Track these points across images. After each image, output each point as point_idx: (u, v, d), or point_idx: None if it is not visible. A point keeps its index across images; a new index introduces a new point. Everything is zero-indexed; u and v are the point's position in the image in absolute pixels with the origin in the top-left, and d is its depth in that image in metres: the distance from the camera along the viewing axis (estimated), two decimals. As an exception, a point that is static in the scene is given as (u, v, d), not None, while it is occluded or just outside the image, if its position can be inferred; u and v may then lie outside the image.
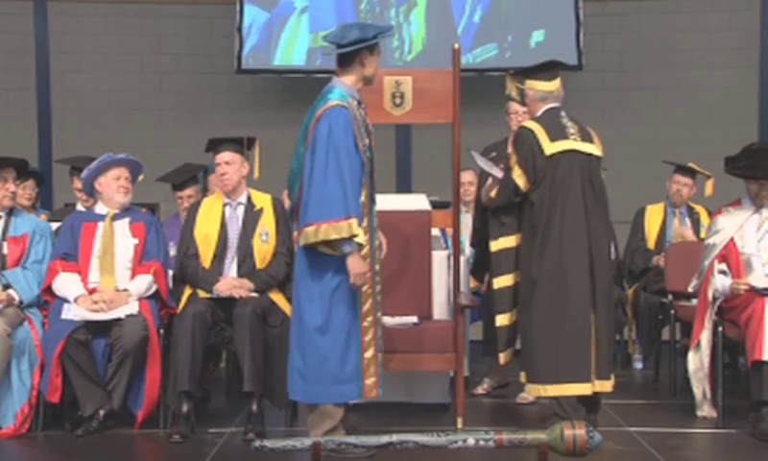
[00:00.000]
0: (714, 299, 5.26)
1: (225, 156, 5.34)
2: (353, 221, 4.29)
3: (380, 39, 4.52)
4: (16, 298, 5.17)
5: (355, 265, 4.35)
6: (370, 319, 4.52)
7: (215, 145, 5.40)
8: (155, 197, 7.52)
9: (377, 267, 4.63)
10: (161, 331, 5.17)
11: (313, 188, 4.34)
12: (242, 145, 5.39)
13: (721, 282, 5.24)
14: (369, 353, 4.51)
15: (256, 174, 5.50)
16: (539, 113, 5.08)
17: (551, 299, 4.85)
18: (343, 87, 4.50)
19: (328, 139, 4.34)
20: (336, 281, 4.42)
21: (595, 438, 4.04)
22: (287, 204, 6.60)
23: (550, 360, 4.84)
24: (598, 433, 4.06)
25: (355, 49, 4.45)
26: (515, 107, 5.87)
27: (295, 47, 9.38)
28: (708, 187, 7.00)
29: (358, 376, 4.48)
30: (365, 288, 4.48)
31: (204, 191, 6.51)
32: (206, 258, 5.29)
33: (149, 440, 5.03)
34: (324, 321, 4.43)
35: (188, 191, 6.34)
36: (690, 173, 7.10)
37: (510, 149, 5.16)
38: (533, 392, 5.00)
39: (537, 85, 5.09)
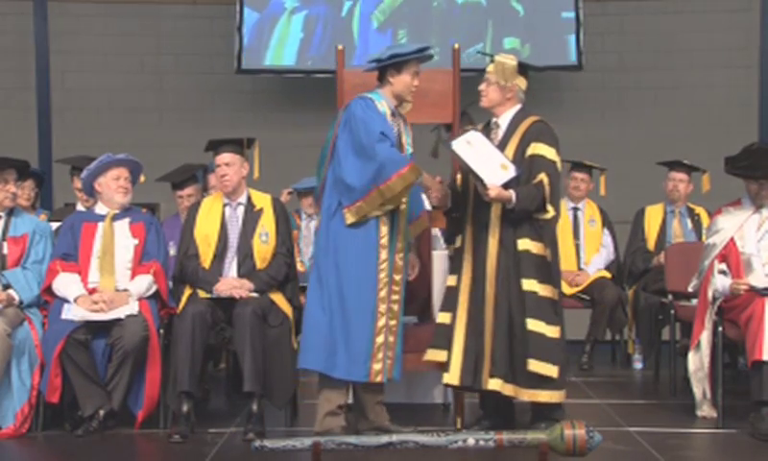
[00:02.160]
0: (714, 299, 5.26)
1: (224, 157, 5.34)
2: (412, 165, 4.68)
3: (398, 61, 4.78)
4: (16, 298, 5.16)
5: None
6: (384, 307, 4.69)
7: (215, 146, 5.39)
8: (155, 197, 7.53)
9: (397, 277, 4.80)
10: (161, 331, 5.17)
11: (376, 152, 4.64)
12: (242, 146, 5.39)
13: (721, 282, 5.24)
14: (380, 339, 4.68)
15: (256, 174, 5.49)
16: (514, 110, 4.90)
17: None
18: (380, 93, 4.84)
19: (358, 118, 4.70)
20: (345, 262, 4.67)
21: (595, 438, 4.04)
22: (286, 199, 6.77)
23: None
24: (598, 433, 4.07)
25: (375, 68, 4.84)
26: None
27: (285, 48, 9.39)
28: (705, 183, 7.03)
29: (367, 358, 4.66)
30: (381, 276, 4.69)
31: (205, 190, 6.51)
32: (206, 259, 5.28)
33: (149, 440, 5.02)
34: (338, 298, 4.67)
35: (188, 190, 6.33)
36: (684, 168, 7.12)
37: (544, 143, 4.81)
38: (556, 398, 4.83)
39: (524, 85, 4.96)
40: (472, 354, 4.81)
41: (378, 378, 4.71)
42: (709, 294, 5.27)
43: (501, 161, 4.74)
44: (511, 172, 4.72)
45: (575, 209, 7.47)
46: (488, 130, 4.97)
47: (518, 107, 4.94)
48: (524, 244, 4.76)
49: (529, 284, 4.74)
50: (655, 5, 9.60)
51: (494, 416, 4.96)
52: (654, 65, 9.59)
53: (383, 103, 4.81)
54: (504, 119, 4.93)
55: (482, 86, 4.94)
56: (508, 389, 4.76)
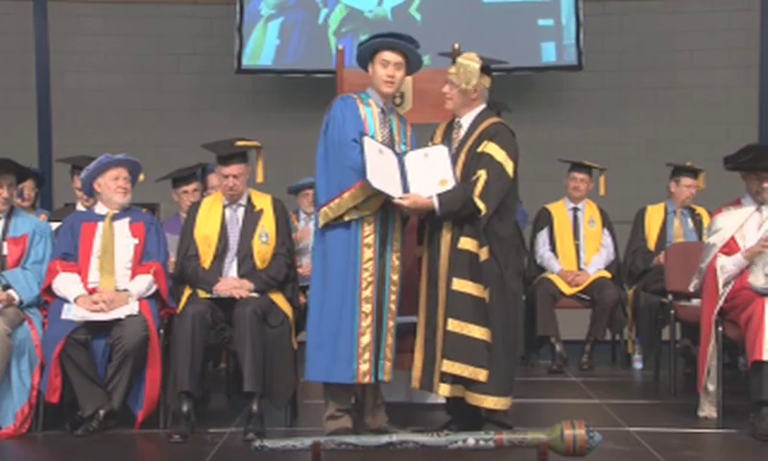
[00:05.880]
0: (726, 284, 5.16)
1: (233, 169, 5.30)
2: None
3: (361, 50, 4.78)
4: (16, 298, 5.17)
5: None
6: (369, 307, 4.64)
7: (224, 159, 5.34)
8: (155, 197, 7.52)
9: (395, 277, 4.77)
10: (161, 331, 5.17)
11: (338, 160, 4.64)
12: (247, 156, 5.38)
13: (728, 260, 5.16)
14: (365, 339, 4.63)
15: (260, 178, 5.45)
16: (478, 110, 4.81)
17: (514, 309, 4.83)
18: (369, 91, 4.80)
19: (336, 120, 4.69)
20: (329, 263, 4.65)
21: (595, 438, 4.05)
22: None
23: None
24: (598, 433, 4.07)
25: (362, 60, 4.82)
26: None
27: (286, 48, 9.39)
28: (700, 181, 7.04)
29: (352, 359, 4.61)
30: (366, 275, 4.64)
31: (204, 190, 6.51)
32: (207, 259, 5.28)
33: (149, 440, 5.03)
34: (320, 299, 4.68)
35: (193, 185, 6.36)
36: (694, 173, 7.12)
37: (496, 143, 4.68)
38: (503, 405, 4.72)
39: (488, 83, 4.87)
40: (429, 357, 4.76)
41: (366, 380, 4.65)
42: (720, 280, 5.16)
43: (442, 177, 4.69)
44: (447, 186, 4.66)
45: (575, 210, 7.47)
46: (450, 129, 4.90)
47: (482, 106, 4.85)
48: (463, 243, 4.66)
49: (458, 284, 4.65)
50: (655, 5, 9.60)
51: (460, 420, 4.83)
52: (654, 65, 9.59)
53: (371, 101, 4.76)
54: (467, 119, 4.84)
55: (445, 89, 4.84)
56: (457, 390, 4.69)
